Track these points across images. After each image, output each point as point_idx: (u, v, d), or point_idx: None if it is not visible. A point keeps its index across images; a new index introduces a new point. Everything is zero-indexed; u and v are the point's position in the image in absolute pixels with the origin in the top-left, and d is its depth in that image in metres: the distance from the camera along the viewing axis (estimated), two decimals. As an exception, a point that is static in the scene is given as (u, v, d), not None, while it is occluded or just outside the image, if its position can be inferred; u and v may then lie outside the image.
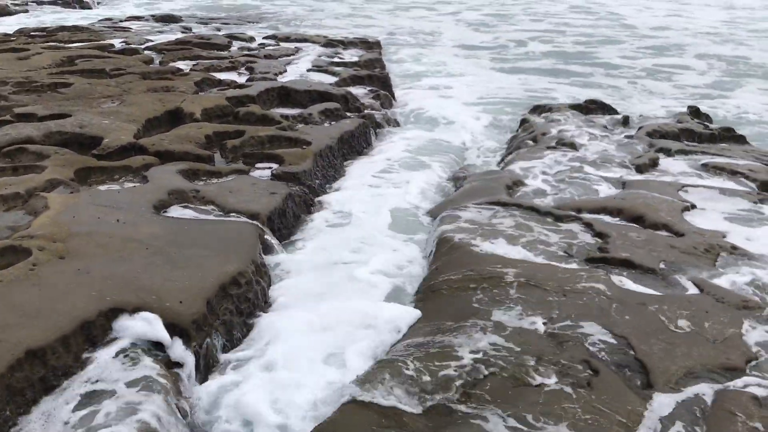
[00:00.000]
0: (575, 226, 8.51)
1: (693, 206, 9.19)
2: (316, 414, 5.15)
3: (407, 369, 5.31)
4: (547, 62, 23.25)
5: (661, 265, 7.18)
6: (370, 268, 8.13)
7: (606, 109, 15.75)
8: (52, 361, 4.90)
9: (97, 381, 5.02)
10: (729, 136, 13.09)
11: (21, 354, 4.74)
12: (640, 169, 11.11)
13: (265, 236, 8.26)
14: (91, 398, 4.85)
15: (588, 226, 8.46)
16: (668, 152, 11.91)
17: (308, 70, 18.25)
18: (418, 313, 6.51)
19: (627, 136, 13.14)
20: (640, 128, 13.53)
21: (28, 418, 4.64)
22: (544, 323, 5.94)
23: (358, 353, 5.98)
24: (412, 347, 5.89)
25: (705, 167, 11.07)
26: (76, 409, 4.74)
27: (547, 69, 22.06)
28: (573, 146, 12.55)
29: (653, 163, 11.37)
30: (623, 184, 10.37)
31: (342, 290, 7.54)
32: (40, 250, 6.19)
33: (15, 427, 4.52)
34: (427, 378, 5.18)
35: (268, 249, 8.20)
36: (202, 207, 8.53)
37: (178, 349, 5.49)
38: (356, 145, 13.75)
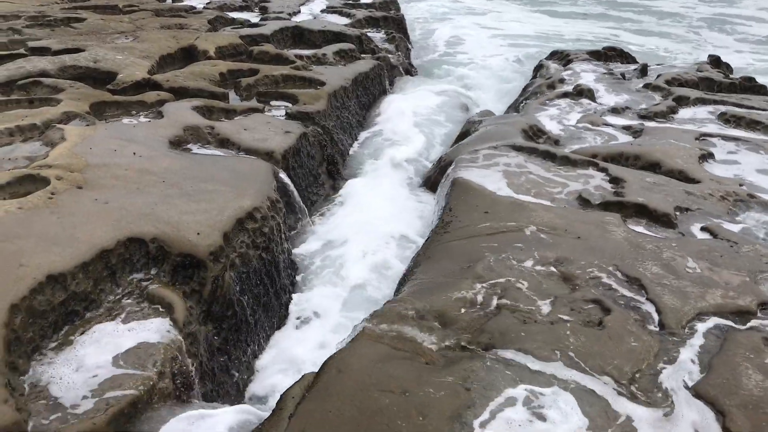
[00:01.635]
0: (591, 171, 8.47)
1: (710, 154, 9.10)
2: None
3: (419, 306, 5.36)
4: (597, 8, 22.17)
5: (676, 211, 7.16)
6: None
7: (625, 56, 15.50)
8: (72, 287, 4.97)
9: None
10: (750, 86, 12.88)
11: (42, 278, 4.81)
12: (657, 117, 10.99)
13: (280, 174, 8.27)
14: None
15: (604, 171, 8.41)
16: (686, 101, 11.74)
17: (322, 11, 18.01)
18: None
19: (645, 85, 12.93)
20: (658, 76, 13.32)
21: (50, 342, 4.74)
22: (557, 265, 5.96)
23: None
24: (424, 286, 5.94)
25: (723, 116, 10.91)
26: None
27: (595, 14, 21.06)
28: (590, 93, 12.39)
29: (671, 111, 11.23)
30: (640, 131, 10.25)
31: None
32: (58, 179, 6.22)
33: (39, 351, 4.61)
34: (439, 315, 5.23)
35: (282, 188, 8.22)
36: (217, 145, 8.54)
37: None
38: (370, 87, 13.63)
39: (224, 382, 5.60)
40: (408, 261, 7.97)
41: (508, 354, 4.69)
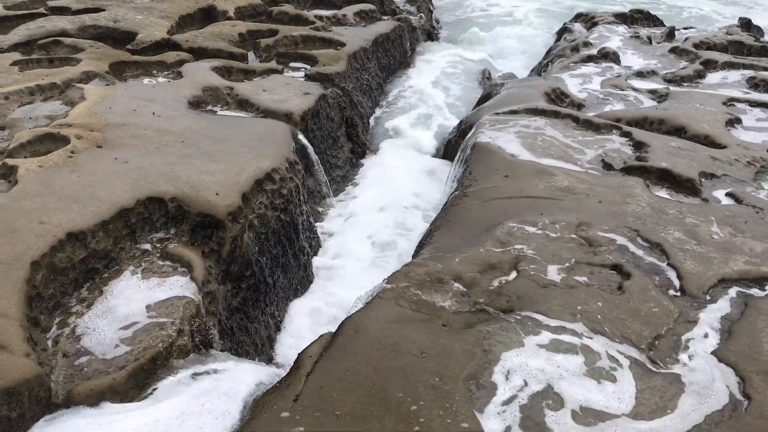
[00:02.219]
0: (614, 135, 8.34)
1: (738, 120, 8.91)
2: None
3: (437, 269, 5.34)
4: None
5: (701, 176, 7.04)
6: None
7: (652, 19, 15.16)
8: (92, 245, 5.00)
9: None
10: (781, 49, 12.56)
11: (62, 236, 4.84)
12: (684, 81, 10.76)
13: (299, 136, 8.23)
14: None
15: (627, 135, 8.27)
16: (714, 65, 11.48)
17: (343, -29, 17.69)
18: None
19: (672, 48, 12.64)
20: (686, 39, 13.03)
21: (71, 298, 4.79)
22: (578, 229, 5.89)
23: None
24: (442, 249, 5.92)
25: (753, 81, 10.66)
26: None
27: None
28: (615, 57, 12.14)
29: (698, 75, 10.99)
30: (666, 95, 10.06)
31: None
32: (78, 138, 6.23)
33: (60, 308, 4.66)
34: (456, 277, 5.21)
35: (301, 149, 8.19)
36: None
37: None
38: (391, 48, 13.46)
39: (243, 341, 5.65)
40: (427, 224, 7.95)
41: (526, 317, 4.66)
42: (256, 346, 5.87)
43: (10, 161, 5.71)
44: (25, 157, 5.98)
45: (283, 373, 4.79)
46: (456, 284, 5.14)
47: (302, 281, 7.01)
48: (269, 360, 6.00)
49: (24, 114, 7.10)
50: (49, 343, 4.37)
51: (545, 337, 4.46)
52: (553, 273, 5.23)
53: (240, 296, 5.76)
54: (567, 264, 5.36)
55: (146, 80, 8.85)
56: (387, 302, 4.89)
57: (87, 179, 5.62)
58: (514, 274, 5.22)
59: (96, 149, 6.19)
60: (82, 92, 7.47)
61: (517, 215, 6.17)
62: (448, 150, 9.95)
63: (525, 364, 4.21)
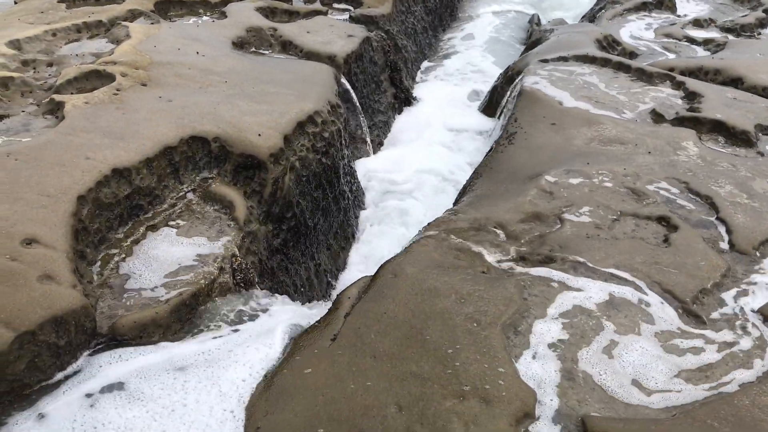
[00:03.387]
0: (666, 85, 8.06)
1: (799, 71, 8.51)
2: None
3: (477, 216, 5.28)
4: None
5: (757, 129, 6.77)
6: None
7: (712, -36, 14.43)
8: (137, 182, 5.06)
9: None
10: None
11: (108, 171, 4.90)
12: (744, 30, 10.29)
13: (342, 79, 8.15)
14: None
15: (680, 85, 7.98)
16: (778, 13, 10.94)
17: None
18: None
19: (733, -6, 12.08)
20: (749, -15, 12.39)
21: (116, 234, 4.88)
22: (625, 179, 5.74)
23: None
24: (484, 196, 5.85)
25: (818, 31, 10.15)
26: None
27: None
28: (671, 4, 11.66)
29: (759, 24, 10.49)
30: (723, 45, 9.64)
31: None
32: (123, 76, 6.25)
33: (105, 243, 4.74)
34: (498, 225, 5.15)
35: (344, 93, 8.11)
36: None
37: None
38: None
39: (283, 281, 5.71)
40: (469, 171, 7.86)
41: (568, 267, 4.59)
42: (296, 286, 5.93)
43: (57, 97, 5.77)
44: (72, 93, 6.03)
45: (319, 313, 4.84)
46: (498, 232, 5.09)
47: (342, 226, 7.02)
48: (308, 300, 6.06)
49: (71, 51, 7.15)
50: (95, 276, 4.46)
51: (587, 286, 4.40)
52: (598, 223, 5.12)
53: (281, 237, 5.80)
54: (612, 215, 5.24)
55: (191, 20, 8.81)
56: (426, 248, 4.87)
57: (132, 117, 5.65)
58: (558, 224, 5.14)
59: (140, 87, 6.21)
60: (127, 30, 7.47)
61: (564, 164, 6.04)
62: (494, 96, 9.76)
63: (564, 313, 4.17)
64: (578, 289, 4.37)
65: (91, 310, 3.95)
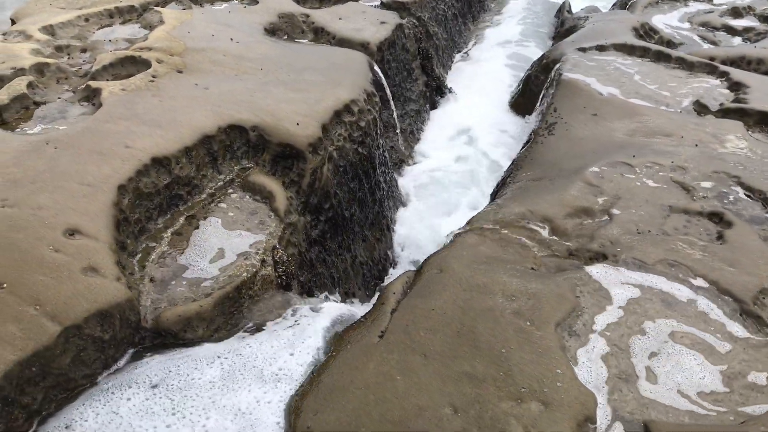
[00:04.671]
0: (709, 75, 7.84)
1: None
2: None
3: (522, 210, 5.14)
4: None
5: (807, 122, 6.56)
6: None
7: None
8: (176, 171, 4.97)
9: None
10: None
11: (147, 160, 4.81)
12: (786, 18, 10.01)
13: (374, 67, 8.00)
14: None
15: (724, 75, 7.76)
16: (821, 1, 10.63)
17: None
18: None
19: (773, -18, 11.74)
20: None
21: (156, 223, 4.79)
22: (672, 173, 5.57)
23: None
24: (527, 189, 5.71)
25: None
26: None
27: None
28: (709, -10, 11.38)
29: (803, 12, 10.20)
30: (764, 33, 9.38)
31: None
32: (158, 62, 6.16)
33: (145, 233, 4.65)
34: (544, 219, 5.00)
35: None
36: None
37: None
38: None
39: (321, 273, 5.61)
40: (506, 161, 7.72)
41: (620, 264, 4.44)
42: (333, 279, 5.83)
43: (93, 84, 5.68)
44: (108, 80, 5.94)
45: (361, 310, 4.75)
46: (545, 226, 4.95)
47: (377, 217, 6.90)
48: (345, 293, 5.97)
49: (104, 36, 7.06)
50: (136, 267, 4.38)
51: (641, 285, 4.25)
52: (648, 219, 4.96)
53: (318, 228, 5.69)
54: (662, 210, 5.08)
55: (222, 5, 8.69)
56: (471, 242, 4.74)
57: (169, 104, 5.55)
58: (606, 219, 4.98)
59: (176, 74, 6.11)
60: (160, 16, 7.37)
61: (608, 156, 5.87)
62: (527, 85, 9.56)
63: (619, 313, 4.03)
64: (632, 288, 4.22)
65: (135, 303, 3.88)
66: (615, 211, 5.05)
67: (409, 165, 8.59)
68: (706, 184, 5.41)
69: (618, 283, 4.27)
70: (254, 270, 4.45)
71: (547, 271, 4.45)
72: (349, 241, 6.21)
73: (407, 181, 8.29)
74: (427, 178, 8.28)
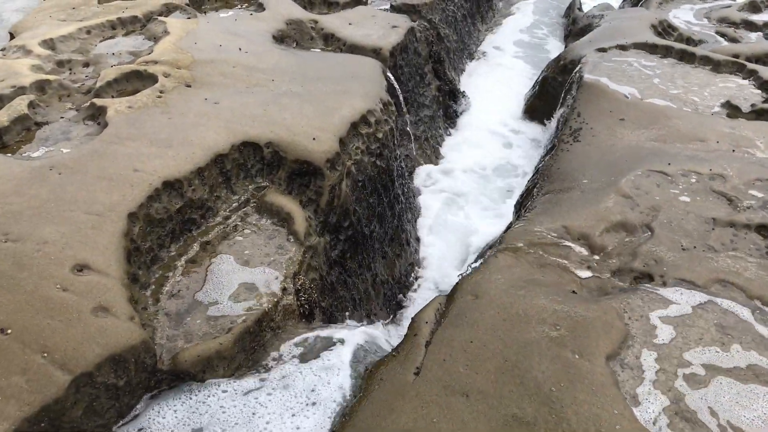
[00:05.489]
0: (736, 73, 7.52)
1: None
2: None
3: (556, 226, 4.84)
4: None
5: None
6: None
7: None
8: (188, 194, 4.67)
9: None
10: None
11: (158, 184, 4.52)
12: (810, 12, 9.69)
13: (387, 73, 7.69)
14: (228, 233, 4.68)
15: (752, 73, 7.44)
16: (844, -7, 10.29)
17: None
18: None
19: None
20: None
21: (169, 249, 4.49)
22: (712, 181, 5.26)
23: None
24: (557, 202, 5.40)
25: None
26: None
27: None
28: (728, -16, 11.04)
29: (826, 5, 9.87)
30: (790, 28, 9.06)
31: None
32: (165, 76, 5.86)
33: (158, 262, 4.35)
34: (581, 236, 4.70)
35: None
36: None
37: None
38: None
39: (342, 297, 5.31)
40: (528, 164, 7.42)
41: (669, 285, 4.14)
42: (354, 301, 5.53)
43: (98, 101, 5.39)
44: (113, 96, 5.66)
45: (384, 335, 4.45)
46: (580, 243, 4.64)
47: (396, 231, 6.60)
48: (366, 314, 5.67)
49: (107, 49, 6.77)
50: (149, 300, 4.09)
51: (693, 308, 3.94)
52: (692, 234, 4.65)
53: (338, 249, 5.39)
54: (706, 223, 4.77)
55: (227, 12, 8.40)
56: (505, 264, 4.44)
57: (178, 121, 5.26)
58: (647, 234, 4.67)
59: (185, 88, 5.81)
60: (164, 26, 7.07)
61: (640, 164, 5.56)
62: (544, 87, 9.25)
63: (673, 340, 3.72)
64: (684, 312, 3.92)
65: (150, 344, 3.58)
66: (655, 225, 4.74)
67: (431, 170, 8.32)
68: (750, 193, 5.10)
69: (668, 306, 3.96)
70: (275, 300, 4.15)
71: (590, 294, 4.14)
72: (369, 259, 5.91)
73: (424, 191, 8.01)
74: (445, 184, 8.00)
